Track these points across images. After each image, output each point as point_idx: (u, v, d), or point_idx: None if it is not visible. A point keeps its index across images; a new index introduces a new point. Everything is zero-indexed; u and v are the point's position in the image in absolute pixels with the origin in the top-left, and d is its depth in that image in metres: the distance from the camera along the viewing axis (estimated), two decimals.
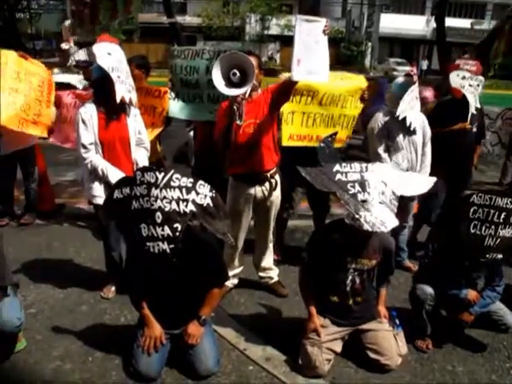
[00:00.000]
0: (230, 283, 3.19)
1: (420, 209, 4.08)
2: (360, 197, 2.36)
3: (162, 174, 2.17)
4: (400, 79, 3.57)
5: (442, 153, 3.69)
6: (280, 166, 3.14)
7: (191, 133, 5.41)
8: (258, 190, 3.05)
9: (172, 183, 2.17)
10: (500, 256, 2.57)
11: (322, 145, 2.91)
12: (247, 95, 2.67)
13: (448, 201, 3.92)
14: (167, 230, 2.17)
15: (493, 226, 2.50)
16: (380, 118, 3.50)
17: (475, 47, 10.63)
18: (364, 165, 2.48)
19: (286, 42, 27.48)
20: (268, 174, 3.04)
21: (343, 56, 30.21)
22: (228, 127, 2.80)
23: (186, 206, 2.18)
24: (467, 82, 3.96)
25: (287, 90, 2.91)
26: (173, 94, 3.86)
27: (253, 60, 2.68)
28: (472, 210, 2.51)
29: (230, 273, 3.04)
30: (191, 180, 2.21)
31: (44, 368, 2.52)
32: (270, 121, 2.98)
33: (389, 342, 2.58)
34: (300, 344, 2.56)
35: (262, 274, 3.38)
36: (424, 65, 30.08)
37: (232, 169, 3.07)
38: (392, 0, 33.21)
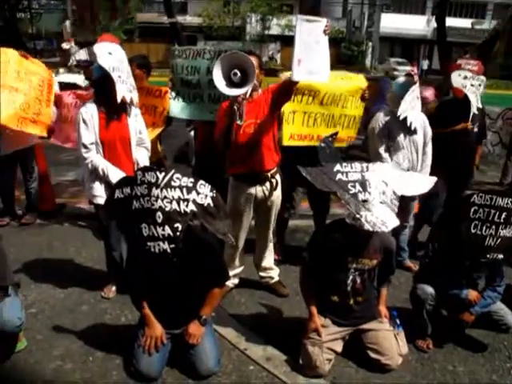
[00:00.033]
0: (230, 283, 3.18)
1: (421, 209, 4.07)
2: (361, 196, 2.36)
3: (163, 173, 2.17)
4: (401, 79, 3.56)
5: (444, 153, 3.70)
6: (281, 166, 3.14)
7: (192, 133, 5.40)
8: (258, 190, 3.05)
9: (173, 183, 2.17)
10: (501, 256, 2.57)
11: (322, 145, 2.91)
12: (248, 95, 2.67)
13: (449, 201, 3.92)
14: (168, 230, 2.17)
15: (493, 226, 2.50)
16: (381, 118, 3.49)
17: (477, 47, 10.63)
18: (365, 164, 2.47)
19: (287, 41, 27.46)
20: (268, 174, 3.03)
21: (344, 56, 30.18)
22: (228, 127, 2.80)
23: (187, 205, 2.18)
24: (469, 81, 3.96)
25: (288, 90, 2.90)
26: (173, 94, 3.87)
27: (253, 60, 2.68)
28: (473, 209, 2.51)
29: (231, 272, 3.04)
30: (192, 180, 2.21)
31: (45, 368, 2.52)
32: (271, 121, 2.97)
33: (389, 341, 2.58)
34: (301, 344, 2.56)
35: (262, 273, 3.38)
36: (424, 65, 30.11)
37: (232, 169, 3.07)
38: (393, 0, 33.21)
